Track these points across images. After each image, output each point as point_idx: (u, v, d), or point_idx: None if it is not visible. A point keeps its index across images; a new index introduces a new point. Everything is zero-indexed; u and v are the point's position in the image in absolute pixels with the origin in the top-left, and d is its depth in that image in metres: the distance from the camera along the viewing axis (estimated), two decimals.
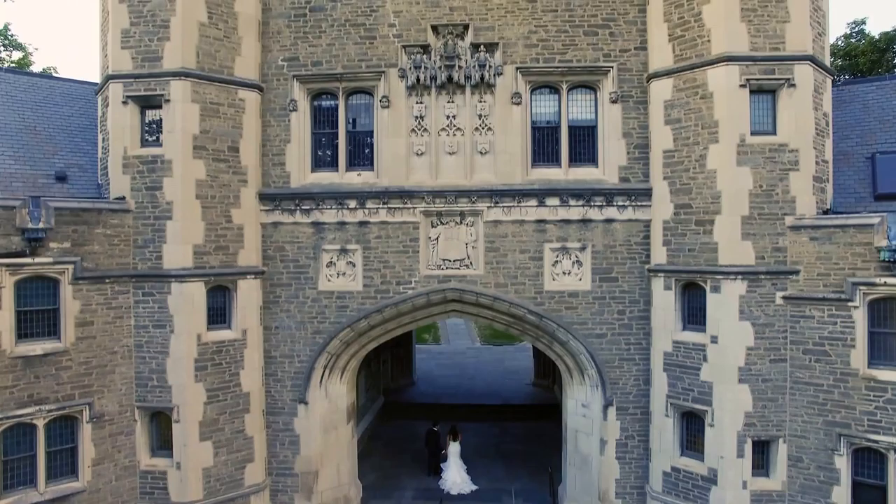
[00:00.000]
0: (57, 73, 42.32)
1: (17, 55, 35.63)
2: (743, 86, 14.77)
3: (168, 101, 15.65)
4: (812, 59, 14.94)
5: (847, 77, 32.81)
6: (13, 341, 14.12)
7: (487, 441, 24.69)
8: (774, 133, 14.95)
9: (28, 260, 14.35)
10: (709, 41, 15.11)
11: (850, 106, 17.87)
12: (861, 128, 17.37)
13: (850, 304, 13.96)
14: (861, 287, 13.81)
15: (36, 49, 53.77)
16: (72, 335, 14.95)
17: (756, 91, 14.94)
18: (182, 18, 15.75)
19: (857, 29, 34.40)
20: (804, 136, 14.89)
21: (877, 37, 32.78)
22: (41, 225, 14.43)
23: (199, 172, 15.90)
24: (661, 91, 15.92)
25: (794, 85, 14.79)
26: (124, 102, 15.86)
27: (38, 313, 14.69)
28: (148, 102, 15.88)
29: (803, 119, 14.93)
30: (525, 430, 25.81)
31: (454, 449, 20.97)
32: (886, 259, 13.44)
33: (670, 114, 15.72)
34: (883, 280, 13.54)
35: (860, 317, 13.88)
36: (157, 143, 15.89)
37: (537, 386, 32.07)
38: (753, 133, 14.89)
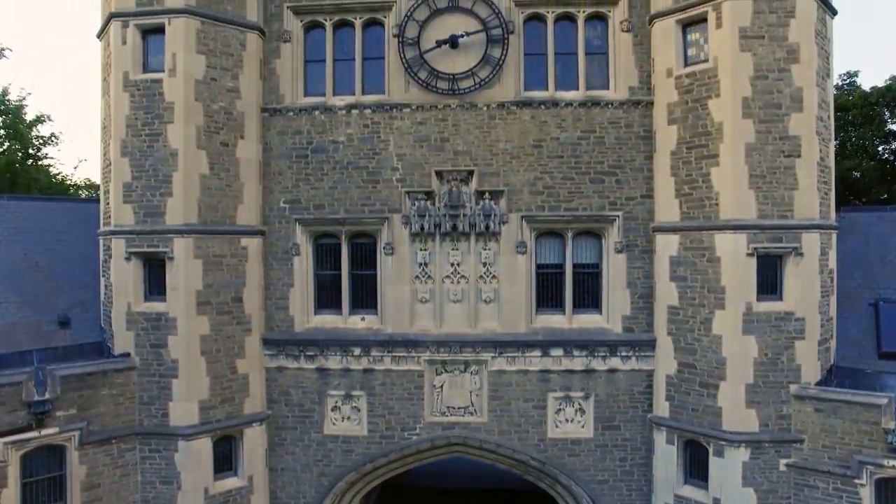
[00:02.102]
0: (51, 119, 41.63)
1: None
2: (750, 254, 14.71)
3: (171, 258, 15.58)
4: (820, 226, 14.89)
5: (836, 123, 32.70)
6: None
7: None
8: (781, 299, 14.93)
9: (34, 434, 14.35)
10: (717, 204, 15.02)
11: (851, 237, 17.70)
12: (863, 267, 17.28)
13: (856, 480, 14.04)
14: (868, 466, 13.87)
15: (29, 93, 53.10)
16: (78, 500, 15.03)
17: (763, 257, 14.89)
18: (184, 173, 15.62)
19: (849, 81, 34.07)
20: (810, 304, 14.87)
21: (868, 90, 32.53)
22: (47, 395, 14.40)
23: (204, 328, 15.86)
24: (667, 245, 15.85)
25: (801, 254, 14.74)
26: (127, 259, 15.78)
27: (43, 481, 14.75)
28: (151, 258, 15.81)
29: (810, 286, 14.89)
30: None
31: None
32: (895, 443, 13.50)
33: (676, 271, 15.66)
34: (891, 462, 13.59)
35: (867, 495, 13.94)
36: (161, 297, 15.82)
37: None
38: (760, 299, 14.87)
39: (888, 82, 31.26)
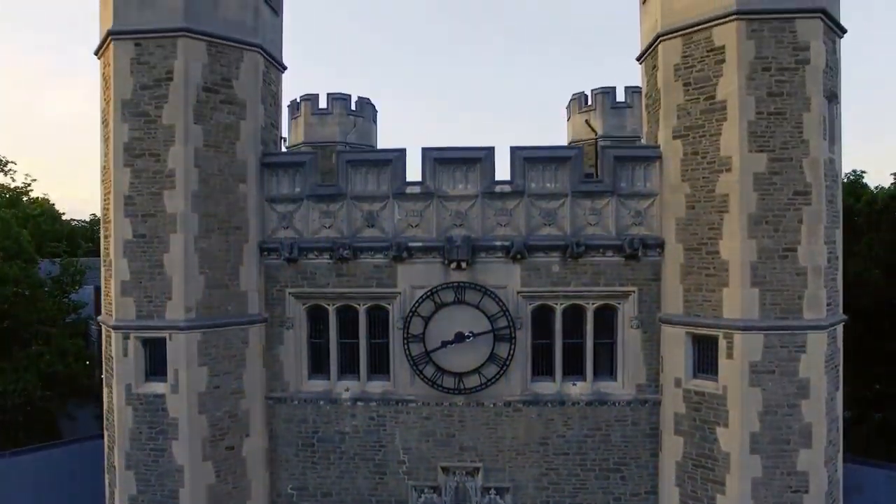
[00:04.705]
0: (51, 201, 41.17)
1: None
2: None
3: None
4: None
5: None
6: None
7: None
8: None
9: None
10: None
11: (859, 497, 17.92)
12: None
13: None
14: None
15: (34, 180, 52.32)
16: None
17: None
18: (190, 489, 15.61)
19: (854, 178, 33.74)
20: None
21: (874, 189, 32.26)
22: None
23: None
24: None
25: None
26: None
27: None
28: None
29: None
30: None
31: None
32: None
33: None
34: None
35: None
36: None
37: None
38: None
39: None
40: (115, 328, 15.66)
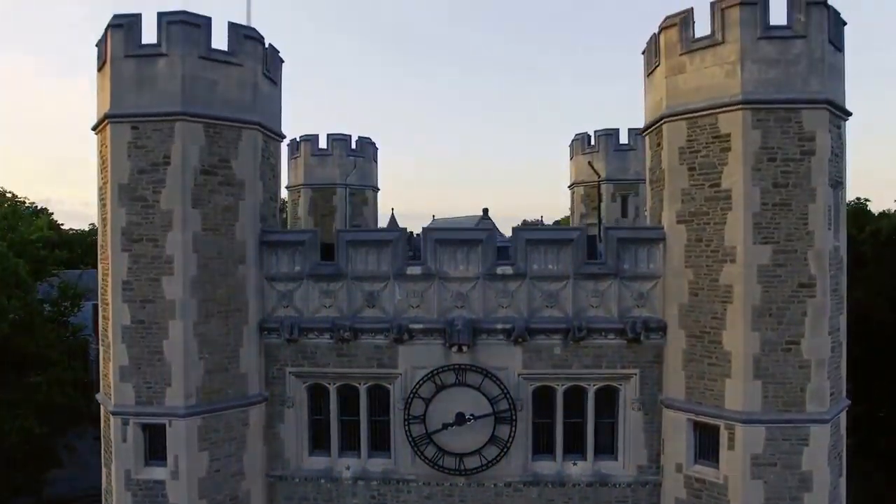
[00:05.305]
0: (49, 211, 40.89)
1: None
2: None
3: None
4: None
5: None
6: None
7: None
8: None
9: None
10: None
11: None
12: None
13: None
14: None
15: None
16: None
17: None
18: None
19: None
20: None
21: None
22: None
23: None
24: None
25: None
26: None
27: None
28: None
29: None
30: None
31: None
32: None
33: None
34: None
35: None
36: None
37: None
38: None
39: None
40: (114, 413, 15.58)
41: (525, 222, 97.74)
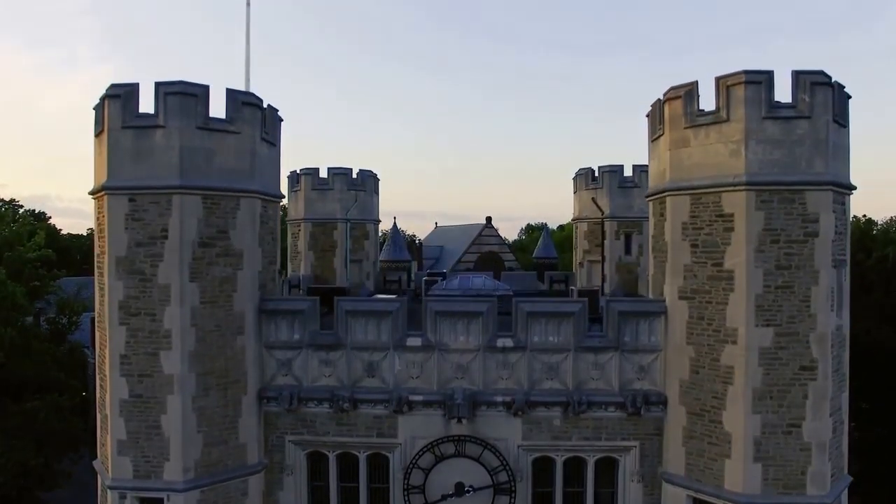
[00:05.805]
0: (46, 216, 40.66)
1: None
2: None
3: None
4: None
5: None
6: None
7: None
8: None
9: None
10: None
11: None
12: None
13: None
14: None
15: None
16: None
17: None
18: None
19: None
20: None
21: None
22: None
23: None
24: None
25: None
26: None
27: None
28: None
29: None
30: None
31: None
32: None
33: None
34: None
35: None
36: None
37: None
38: None
39: None
40: (111, 488, 15.52)
41: (529, 226, 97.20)
